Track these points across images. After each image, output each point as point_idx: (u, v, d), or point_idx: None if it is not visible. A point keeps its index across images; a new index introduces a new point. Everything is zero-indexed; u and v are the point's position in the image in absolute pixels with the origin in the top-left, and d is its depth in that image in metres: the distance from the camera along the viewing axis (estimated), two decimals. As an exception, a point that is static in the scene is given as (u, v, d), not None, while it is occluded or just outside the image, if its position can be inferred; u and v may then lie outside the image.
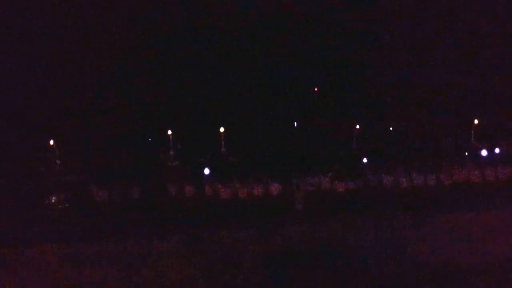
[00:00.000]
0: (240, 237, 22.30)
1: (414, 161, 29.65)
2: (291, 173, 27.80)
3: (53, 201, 28.53)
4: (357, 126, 38.82)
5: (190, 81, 42.00)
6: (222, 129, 40.31)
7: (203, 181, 28.87)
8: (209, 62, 41.92)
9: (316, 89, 41.65)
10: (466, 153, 31.82)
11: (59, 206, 28.30)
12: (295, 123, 42.66)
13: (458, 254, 21.47)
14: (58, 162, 37.19)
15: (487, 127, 37.80)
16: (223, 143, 40.05)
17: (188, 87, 42.03)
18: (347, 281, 20.29)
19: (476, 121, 38.38)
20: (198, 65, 41.86)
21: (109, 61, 39.81)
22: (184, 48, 41.50)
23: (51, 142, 38.36)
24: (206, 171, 30.71)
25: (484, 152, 29.93)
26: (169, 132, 41.26)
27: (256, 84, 42.08)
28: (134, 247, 21.39)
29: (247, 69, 41.78)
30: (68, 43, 39.27)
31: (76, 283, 18.97)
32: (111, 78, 39.88)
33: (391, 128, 40.21)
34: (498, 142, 32.71)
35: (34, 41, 37.76)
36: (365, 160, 28.49)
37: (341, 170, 28.00)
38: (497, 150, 30.48)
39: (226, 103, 42.28)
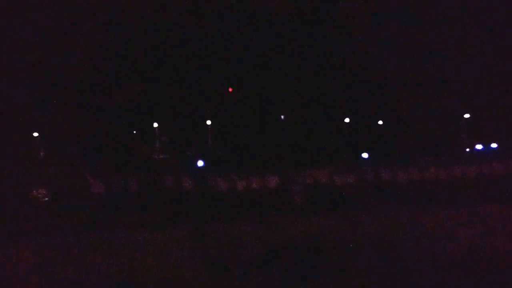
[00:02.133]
0: (239, 230, 22.49)
1: (411, 156, 29.91)
2: (289, 166, 27.91)
3: (38, 194, 27.97)
4: (347, 120, 39.04)
5: (176, 74, 42.04)
6: (209, 122, 40.42)
7: (199, 174, 28.85)
8: (195, 54, 41.98)
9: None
10: (465, 149, 32.12)
11: (45, 199, 28.12)
12: (282, 116, 42.84)
13: (457, 248, 21.86)
14: (41, 154, 37.20)
15: (479, 122, 38.23)
16: (209, 136, 40.23)
17: (174, 79, 42.05)
18: (346, 274, 20.53)
19: (467, 116, 38.76)
20: (185, 57, 41.89)
21: (92, 53, 39.76)
22: (171, 39, 41.52)
23: (35, 134, 38.39)
24: (200, 163, 30.72)
25: (479, 147, 30.22)
26: (155, 124, 41.31)
27: (243, 77, 42.20)
28: (134, 238, 21.52)
29: (234, 62, 41.86)
30: (52, 34, 39.24)
31: (73, 274, 19.13)
32: (94, 70, 39.88)
33: (380, 122, 40.57)
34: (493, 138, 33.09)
35: (18, 32, 37.67)
36: (364, 155, 28.58)
37: (340, 164, 28.21)
38: (494, 145, 30.81)
39: (213, 96, 42.37)
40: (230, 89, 42.45)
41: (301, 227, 22.28)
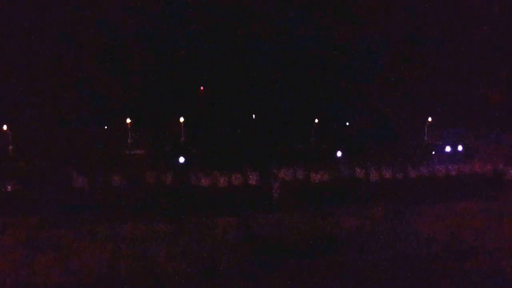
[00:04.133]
0: (220, 224, 23.23)
1: (383, 156, 31.12)
2: (268, 164, 28.78)
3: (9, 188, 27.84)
4: (316, 120, 40.21)
5: (152, 71, 42.39)
6: (182, 119, 40.98)
7: (180, 170, 29.41)
8: (171, 53, 42.35)
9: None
10: (432, 150, 33.46)
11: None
12: (253, 116, 43.70)
13: (428, 244, 23.04)
14: (10, 148, 37.20)
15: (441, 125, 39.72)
16: (182, 133, 40.80)
17: (149, 76, 42.40)
18: (320, 267, 21.56)
19: (430, 119, 40.24)
20: (159, 55, 42.28)
21: (66, 47, 39.87)
22: (146, 36, 41.87)
23: (4, 127, 38.32)
24: (181, 159, 31.32)
25: (447, 149, 31.62)
26: (128, 120, 41.51)
27: (218, 77, 42.82)
28: (118, 231, 21.93)
29: (209, 61, 42.44)
30: (29, 31, 39.20)
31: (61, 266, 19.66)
32: (70, 66, 40.00)
33: (347, 124, 41.81)
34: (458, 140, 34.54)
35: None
36: (339, 153, 29.61)
37: (316, 162, 29.23)
38: (460, 148, 32.26)
39: (187, 94, 42.88)
40: (202, 88, 43.08)
41: (279, 222, 23.27)
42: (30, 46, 39.26)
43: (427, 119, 41.92)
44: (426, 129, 41.80)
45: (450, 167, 29.42)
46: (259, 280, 20.15)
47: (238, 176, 27.49)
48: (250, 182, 27.40)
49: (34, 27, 39.19)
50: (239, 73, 42.35)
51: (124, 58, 41.21)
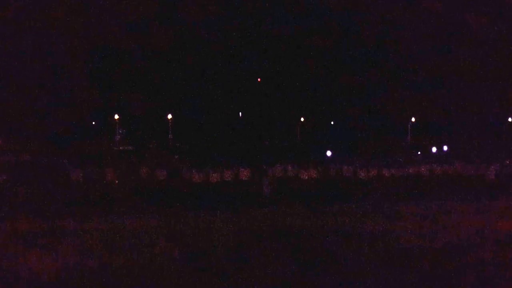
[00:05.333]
0: (212, 218, 23.89)
1: (370, 155, 32.07)
2: (259, 160, 29.59)
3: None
4: (301, 119, 40.99)
5: (141, 69, 42.84)
6: (170, 116, 41.51)
7: (176, 165, 29.98)
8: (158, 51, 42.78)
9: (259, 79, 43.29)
10: (417, 151, 34.37)
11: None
12: (240, 114, 44.33)
13: (413, 239, 23.83)
14: None
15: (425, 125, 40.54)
16: (170, 129, 41.30)
17: (138, 74, 42.85)
18: (309, 259, 22.28)
19: (413, 119, 41.04)
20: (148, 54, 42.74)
21: (58, 47, 40.30)
22: (133, 33, 42.31)
23: None
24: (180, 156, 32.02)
25: (433, 149, 32.56)
26: (116, 116, 41.89)
27: (209, 76, 43.39)
28: (112, 225, 22.80)
29: (198, 61, 42.99)
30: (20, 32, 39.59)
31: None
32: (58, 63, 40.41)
33: (332, 123, 42.60)
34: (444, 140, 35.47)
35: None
36: (328, 153, 30.44)
37: (306, 160, 30.14)
38: (445, 148, 33.23)
39: (177, 92, 43.34)
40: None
41: (269, 216, 24.00)
42: (19, 43, 39.63)
43: (411, 119, 42.49)
44: (409, 129, 42.28)
45: (434, 166, 30.42)
46: (252, 272, 20.97)
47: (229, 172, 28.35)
48: (241, 178, 28.23)
49: (33, 27, 39.77)
50: (229, 73, 42.95)
51: (118, 56, 41.72)
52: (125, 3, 40.55)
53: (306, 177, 28.69)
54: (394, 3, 42.39)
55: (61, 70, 40.27)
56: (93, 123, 42.71)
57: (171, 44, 41.81)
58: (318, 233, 22.15)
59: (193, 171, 28.34)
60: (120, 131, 41.87)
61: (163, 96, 42.47)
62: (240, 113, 44.61)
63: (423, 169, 30.28)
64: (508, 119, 42.24)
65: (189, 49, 41.96)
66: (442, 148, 33.01)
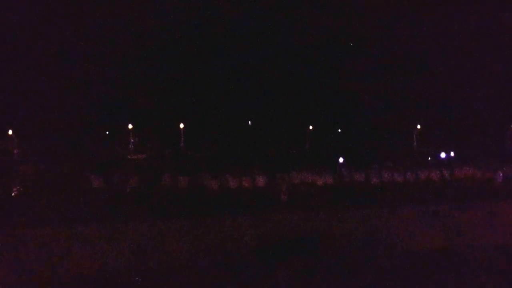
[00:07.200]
0: (234, 223, 24.57)
1: (383, 160, 32.91)
2: (276, 167, 30.41)
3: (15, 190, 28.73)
4: (310, 127, 41.79)
5: (154, 77, 43.54)
6: (181, 125, 42.20)
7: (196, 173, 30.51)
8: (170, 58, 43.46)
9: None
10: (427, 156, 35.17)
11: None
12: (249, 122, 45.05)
13: (425, 241, 24.78)
14: (15, 151, 38.18)
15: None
16: (182, 138, 41.95)
17: (151, 83, 43.56)
18: (325, 261, 23.31)
19: (418, 126, 41.69)
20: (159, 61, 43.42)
21: (71, 55, 40.95)
22: (146, 42, 43.00)
23: (10, 132, 39.35)
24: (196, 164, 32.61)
25: (442, 154, 33.35)
26: (130, 126, 42.56)
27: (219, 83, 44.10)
28: (138, 229, 23.43)
29: (209, 68, 43.70)
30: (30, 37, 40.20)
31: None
32: (72, 72, 41.07)
33: (339, 130, 43.29)
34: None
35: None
36: (341, 159, 31.11)
37: (321, 167, 30.95)
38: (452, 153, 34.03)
39: (190, 101, 44.06)
40: None
41: (287, 221, 24.78)
42: (35, 50, 40.16)
43: (416, 126, 43.06)
44: (415, 135, 42.82)
45: (444, 171, 31.21)
46: (269, 275, 21.91)
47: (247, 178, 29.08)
48: (258, 184, 28.97)
49: (34, 28, 40.35)
50: (242, 80, 43.63)
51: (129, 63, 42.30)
52: (143, 14, 41.22)
53: (322, 183, 29.48)
54: (408, 14, 43.08)
55: (77, 79, 40.97)
56: (107, 132, 43.43)
57: (186, 53, 42.52)
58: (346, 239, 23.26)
59: (211, 178, 28.99)
60: (132, 140, 42.47)
61: (175, 105, 43.22)
62: (250, 122, 45.36)
63: (433, 174, 31.01)
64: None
65: (204, 58, 42.62)
66: (449, 153, 33.80)
